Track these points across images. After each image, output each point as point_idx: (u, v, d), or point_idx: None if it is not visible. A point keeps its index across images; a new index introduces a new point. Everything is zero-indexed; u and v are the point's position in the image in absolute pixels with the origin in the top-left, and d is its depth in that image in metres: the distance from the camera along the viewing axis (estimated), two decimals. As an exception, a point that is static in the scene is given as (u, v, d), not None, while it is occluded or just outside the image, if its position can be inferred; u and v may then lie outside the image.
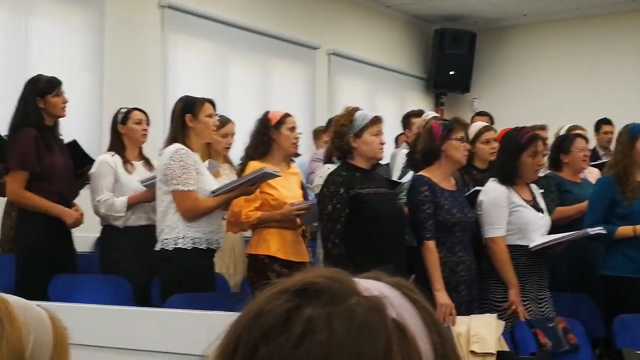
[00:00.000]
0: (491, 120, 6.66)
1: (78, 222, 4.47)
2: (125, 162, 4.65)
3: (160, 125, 5.51)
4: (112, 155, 4.65)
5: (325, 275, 0.74)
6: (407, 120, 6.15)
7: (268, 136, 4.45)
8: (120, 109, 4.81)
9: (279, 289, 0.74)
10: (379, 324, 0.71)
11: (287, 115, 4.54)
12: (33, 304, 1.08)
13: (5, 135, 4.51)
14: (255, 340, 0.71)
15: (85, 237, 5.05)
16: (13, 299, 1.06)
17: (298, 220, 4.40)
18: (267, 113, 4.57)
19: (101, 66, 6.56)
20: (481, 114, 7.08)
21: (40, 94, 4.43)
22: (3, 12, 6.00)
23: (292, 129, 4.52)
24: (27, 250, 4.33)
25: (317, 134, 6.88)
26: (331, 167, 4.47)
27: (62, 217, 4.39)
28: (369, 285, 0.75)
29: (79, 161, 4.66)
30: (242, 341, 0.72)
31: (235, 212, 4.37)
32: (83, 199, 4.72)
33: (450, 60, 9.96)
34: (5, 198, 4.79)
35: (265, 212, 4.35)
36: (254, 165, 4.33)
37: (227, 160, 5.07)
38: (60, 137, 4.62)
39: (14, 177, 4.34)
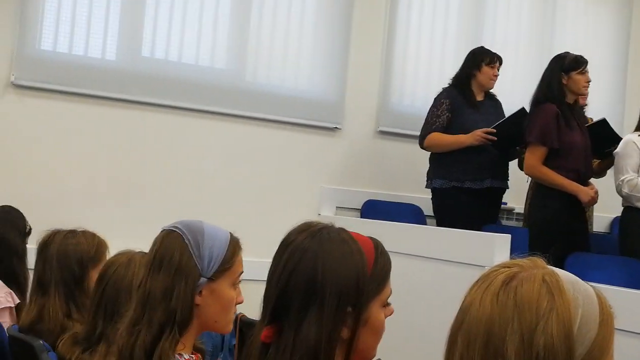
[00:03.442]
0: None
1: (593, 201, 4.43)
2: (653, 143, 4.48)
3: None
4: (639, 135, 4.51)
5: None
6: None
7: None
8: None
9: None
10: None
11: None
12: (581, 280, 1.11)
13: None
14: None
15: (602, 217, 5.00)
16: (562, 273, 1.10)
17: None
18: None
19: (626, 43, 6.39)
20: None
21: (566, 70, 4.49)
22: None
23: None
24: (540, 224, 4.40)
25: None
26: None
27: (577, 194, 4.38)
28: None
29: (605, 140, 4.61)
30: None
31: None
32: (603, 180, 4.63)
33: None
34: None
35: None
36: None
37: None
38: (586, 116, 4.63)
39: (532, 151, 4.43)
